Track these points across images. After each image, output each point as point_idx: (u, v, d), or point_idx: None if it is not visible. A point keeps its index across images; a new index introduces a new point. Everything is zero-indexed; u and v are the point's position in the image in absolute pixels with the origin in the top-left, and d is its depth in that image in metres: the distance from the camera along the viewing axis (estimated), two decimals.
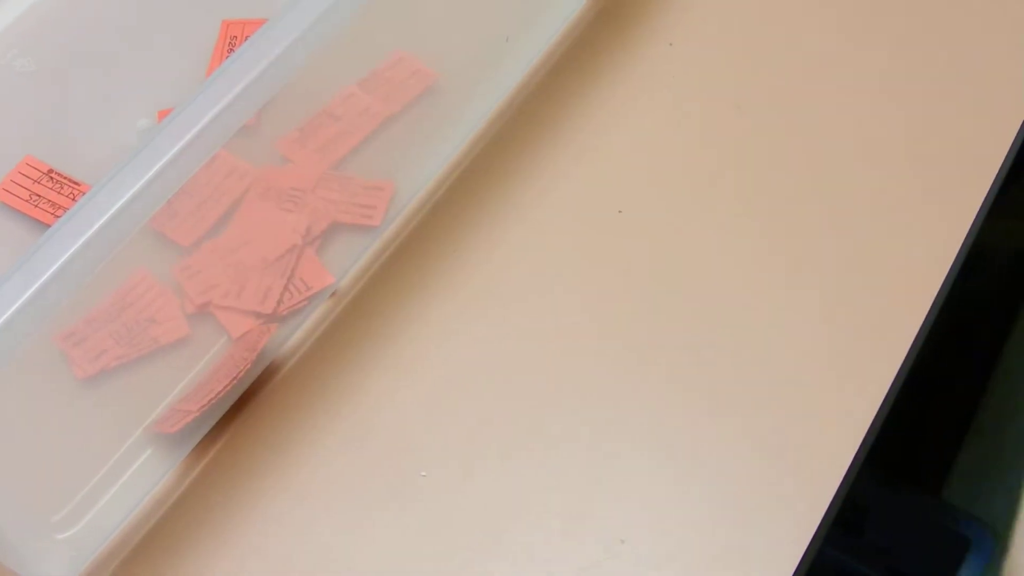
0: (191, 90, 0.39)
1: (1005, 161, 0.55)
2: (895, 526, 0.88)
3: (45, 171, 0.55)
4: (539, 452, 0.48)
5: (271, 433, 0.49)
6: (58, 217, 0.43)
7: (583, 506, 0.47)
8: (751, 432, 0.48)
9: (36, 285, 0.36)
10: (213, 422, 0.49)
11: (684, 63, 0.59)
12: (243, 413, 0.50)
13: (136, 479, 0.48)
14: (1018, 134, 0.55)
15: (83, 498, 0.46)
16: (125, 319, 0.47)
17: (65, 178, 0.54)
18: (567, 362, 0.50)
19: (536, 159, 0.56)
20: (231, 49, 0.57)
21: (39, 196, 0.54)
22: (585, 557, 0.46)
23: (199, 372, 0.49)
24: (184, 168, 0.39)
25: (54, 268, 0.36)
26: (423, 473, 0.48)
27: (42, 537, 0.45)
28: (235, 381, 0.48)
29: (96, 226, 0.37)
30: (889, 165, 0.55)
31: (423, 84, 0.54)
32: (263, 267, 0.50)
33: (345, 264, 0.53)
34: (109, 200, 0.37)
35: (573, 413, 0.49)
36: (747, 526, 0.46)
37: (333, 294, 0.52)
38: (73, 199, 0.54)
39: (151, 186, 0.38)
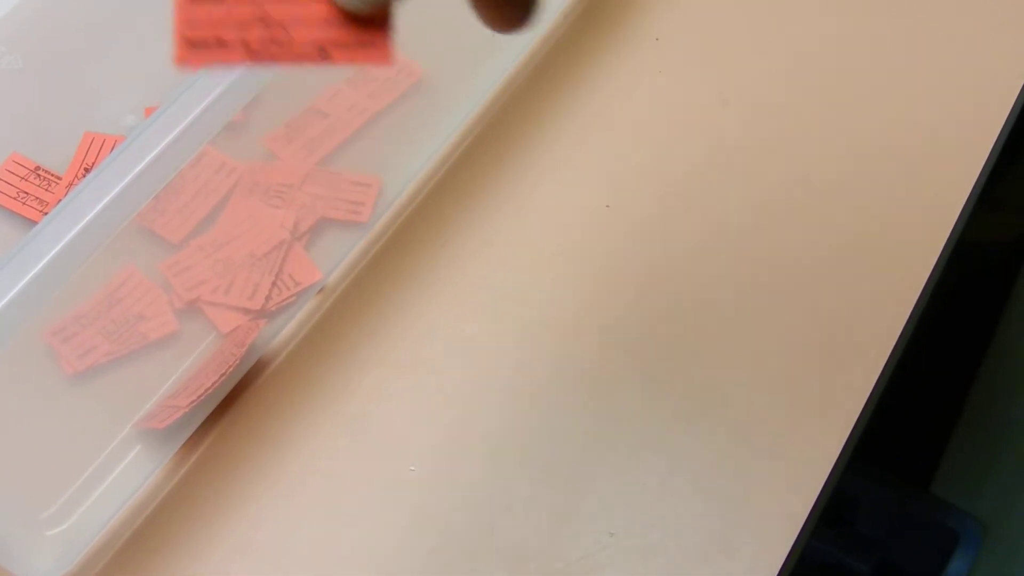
0: (178, 87, 0.40)
1: (991, 154, 0.55)
2: (885, 520, 0.88)
3: (32, 168, 0.55)
4: (529, 446, 0.48)
5: (260, 429, 0.49)
6: (46, 214, 0.43)
7: (573, 500, 0.47)
8: (739, 426, 0.48)
9: (24, 281, 0.36)
10: (202, 418, 0.50)
11: (671, 58, 0.59)
12: (232, 409, 0.50)
13: (125, 475, 0.48)
14: (1003, 128, 0.56)
15: (72, 494, 0.46)
16: (114, 315, 0.47)
17: (53, 175, 0.55)
18: (555, 357, 0.50)
19: (523, 154, 0.56)
20: None
21: (27, 193, 0.54)
22: (575, 550, 0.46)
23: (188, 368, 0.49)
24: (170, 164, 0.39)
25: (41, 264, 0.36)
26: (412, 468, 0.48)
27: (31, 533, 0.45)
28: (224, 377, 0.48)
29: (83, 222, 0.37)
30: (876, 159, 0.55)
31: (410, 80, 0.54)
32: (251, 263, 0.50)
33: (333, 260, 0.53)
34: (96, 196, 0.38)
35: (562, 408, 0.49)
36: (736, 519, 0.46)
37: (321, 290, 0.53)
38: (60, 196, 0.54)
39: (137, 182, 0.38)
